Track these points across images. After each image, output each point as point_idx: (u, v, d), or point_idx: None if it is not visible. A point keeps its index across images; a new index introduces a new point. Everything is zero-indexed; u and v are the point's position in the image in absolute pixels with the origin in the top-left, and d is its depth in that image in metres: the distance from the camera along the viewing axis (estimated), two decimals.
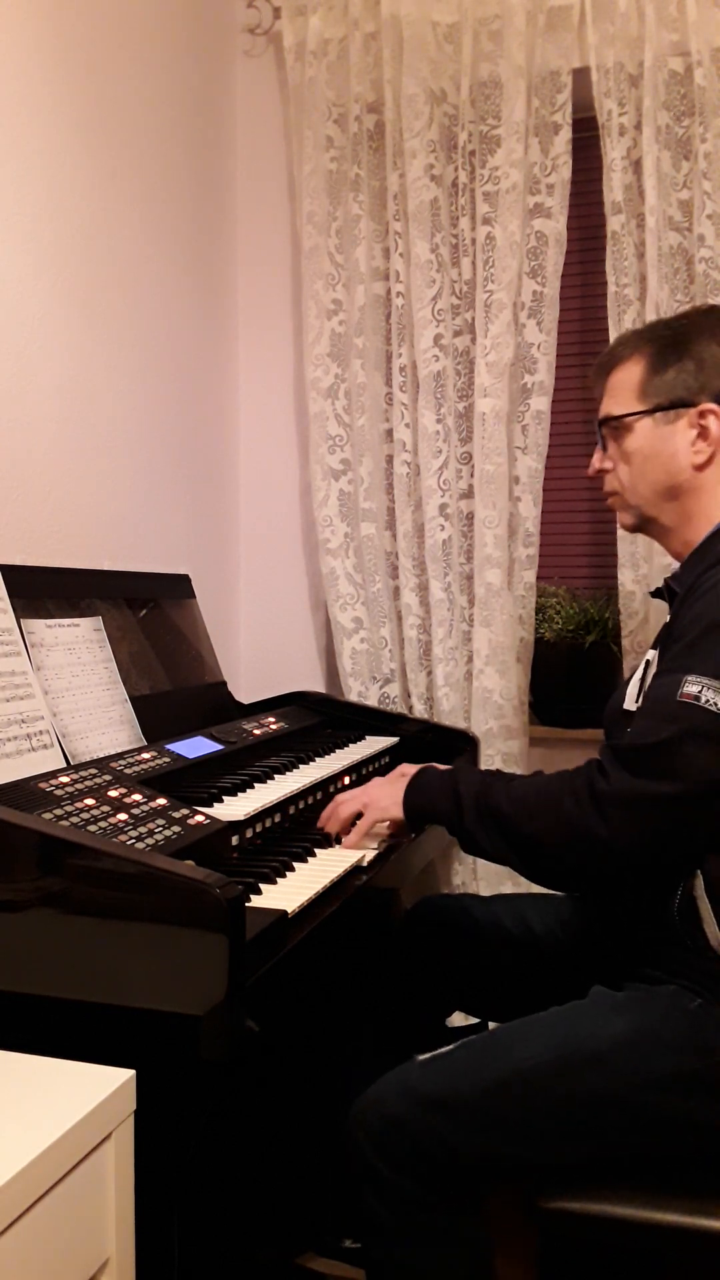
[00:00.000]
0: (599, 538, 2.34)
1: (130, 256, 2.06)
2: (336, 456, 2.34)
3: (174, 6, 2.21)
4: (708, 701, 1.13)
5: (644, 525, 1.44)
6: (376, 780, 1.48)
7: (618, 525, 1.89)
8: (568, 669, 2.25)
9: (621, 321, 2.08)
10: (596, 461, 1.45)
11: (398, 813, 1.40)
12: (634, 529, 1.46)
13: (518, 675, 2.21)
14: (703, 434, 1.34)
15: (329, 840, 1.45)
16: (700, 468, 1.35)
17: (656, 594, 1.46)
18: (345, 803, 1.45)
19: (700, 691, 1.14)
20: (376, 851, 1.41)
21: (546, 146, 2.14)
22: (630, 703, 1.36)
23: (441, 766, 1.42)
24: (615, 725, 1.40)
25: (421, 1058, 1.21)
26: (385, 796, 1.42)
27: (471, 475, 2.22)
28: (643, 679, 1.35)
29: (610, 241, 2.09)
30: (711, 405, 1.33)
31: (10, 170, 1.71)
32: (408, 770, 1.44)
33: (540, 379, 2.16)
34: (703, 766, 1.13)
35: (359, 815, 1.43)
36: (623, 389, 1.39)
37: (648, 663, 1.35)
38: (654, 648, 1.37)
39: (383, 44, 2.19)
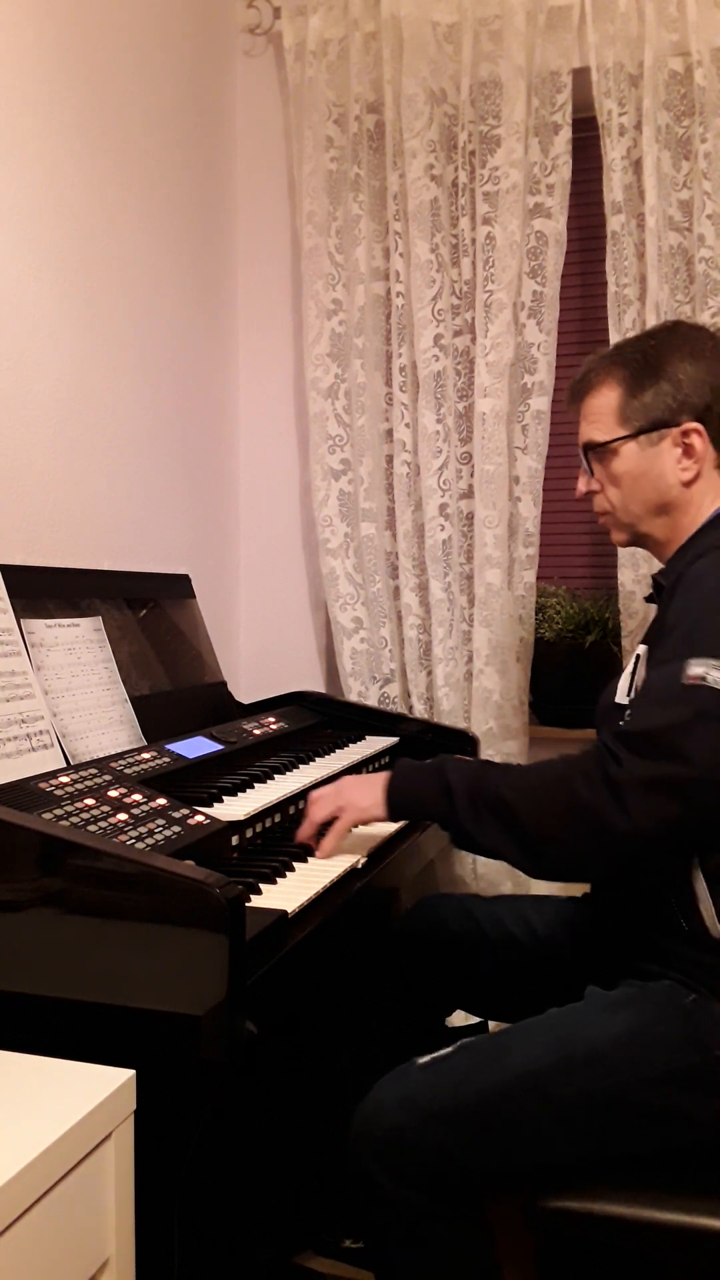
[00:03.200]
0: (599, 538, 2.34)
1: (130, 256, 2.06)
2: (336, 456, 2.34)
3: (174, 6, 2.21)
4: (715, 681, 1.12)
5: (637, 541, 1.46)
6: (349, 779, 1.41)
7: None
8: (568, 669, 2.25)
9: (621, 321, 2.08)
10: (583, 485, 1.47)
11: (379, 812, 1.34)
12: (627, 544, 1.48)
13: (517, 675, 2.21)
14: (688, 451, 1.37)
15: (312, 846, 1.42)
16: (689, 483, 1.38)
17: (649, 599, 1.47)
18: (318, 804, 1.39)
19: (706, 673, 1.13)
20: (364, 859, 1.38)
21: (546, 146, 2.14)
22: (621, 696, 1.36)
23: (416, 762, 1.36)
24: (606, 719, 1.38)
25: (420, 1061, 1.20)
26: (363, 796, 1.35)
27: (471, 475, 2.22)
28: (633, 674, 1.35)
29: (610, 241, 2.09)
30: (693, 424, 1.36)
31: (10, 170, 1.71)
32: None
33: (540, 379, 2.16)
34: (714, 747, 1.11)
35: (334, 819, 1.37)
36: (601, 414, 1.41)
37: (638, 658, 1.35)
38: (644, 643, 1.37)
39: (383, 44, 2.19)
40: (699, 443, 1.36)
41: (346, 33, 2.25)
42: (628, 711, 1.29)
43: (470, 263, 2.19)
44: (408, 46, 2.16)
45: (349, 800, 1.37)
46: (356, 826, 1.40)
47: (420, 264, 2.19)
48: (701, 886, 1.20)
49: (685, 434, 1.36)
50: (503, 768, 1.27)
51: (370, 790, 1.35)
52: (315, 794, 1.41)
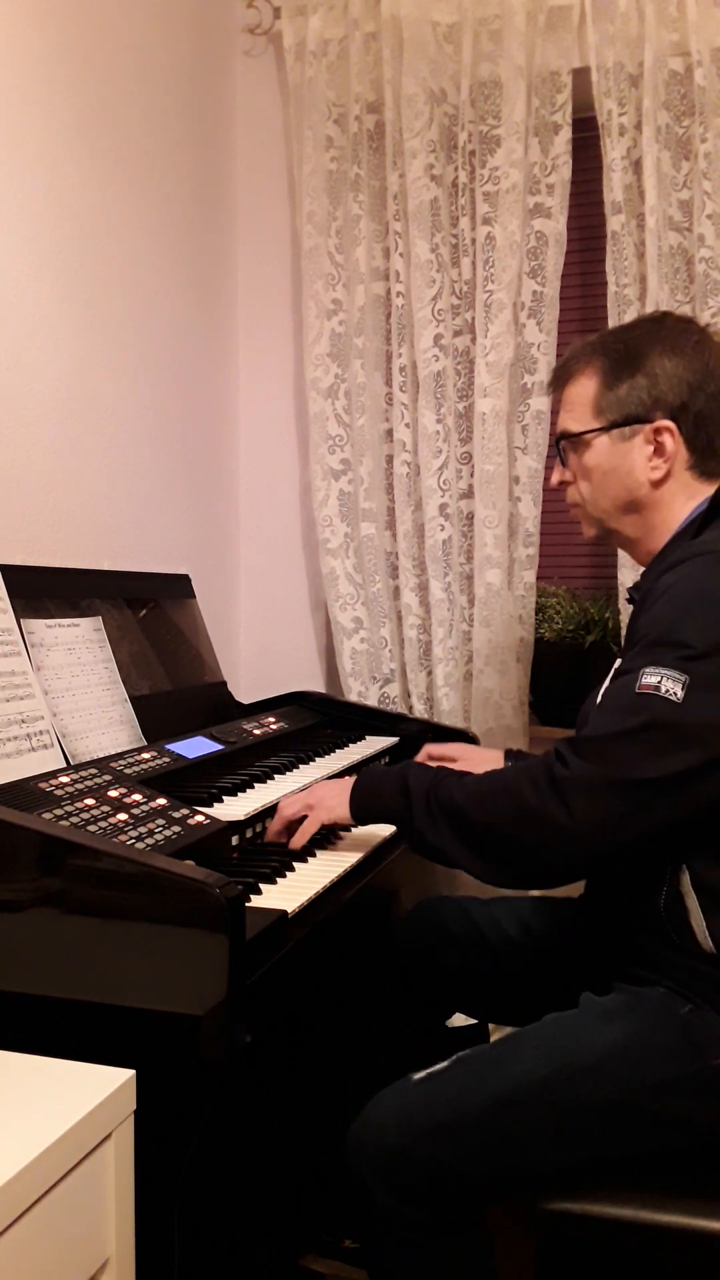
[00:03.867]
0: None
1: (130, 256, 2.06)
2: (336, 456, 2.34)
3: (174, 6, 2.21)
4: (667, 691, 1.13)
5: (606, 536, 1.44)
6: (323, 781, 1.45)
7: None
8: (568, 669, 2.25)
9: (621, 321, 2.08)
10: (557, 475, 1.45)
11: (344, 813, 1.36)
12: (597, 540, 1.46)
13: (518, 675, 2.21)
14: (659, 450, 1.34)
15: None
16: (657, 484, 1.35)
17: (630, 601, 1.46)
18: (289, 805, 1.42)
19: (659, 682, 1.13)
20: (359, 861, 1.38)
21: (546, 146, 2.14)
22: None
23: (384, 767, 1.40)
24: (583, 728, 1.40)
25: (417, 1076, 1.19)
26: (331, 797, 1.38)
27: (471, 475, 2.22)
28: (609, 683, 1.35)
29: (610, 241, 2.09)
30: (666, 422, 1.33)
31: (10, 170, 1.71)
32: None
33: (540, 379, 2.16)
34: (665, 754, 1.12)
35: (302, 818, 1.40)
36: (578, 404, 1.39)
37: (615, 669, 1.35)
38: (619, 654, 1.37)
39: (383, 44, 2.19)
40: (670, 442, 1.32)
41: (346, 33, 2.25)
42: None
43: (470, 263, 2.19)
44: (408, 46, 2.16)
45: (318, 800, 1.39)
46: (325, 825, 1.41)
47: (420, 264, 2.19)
48: (692, 900, 1.19)
49: (658, 432, 1.33)
50: (460, 774, 1.28)
51: (339, 792, 1.38)
52: (287, 798, 1.44)
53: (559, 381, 1.44)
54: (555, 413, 1.48)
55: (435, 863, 1.29)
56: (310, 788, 1.44)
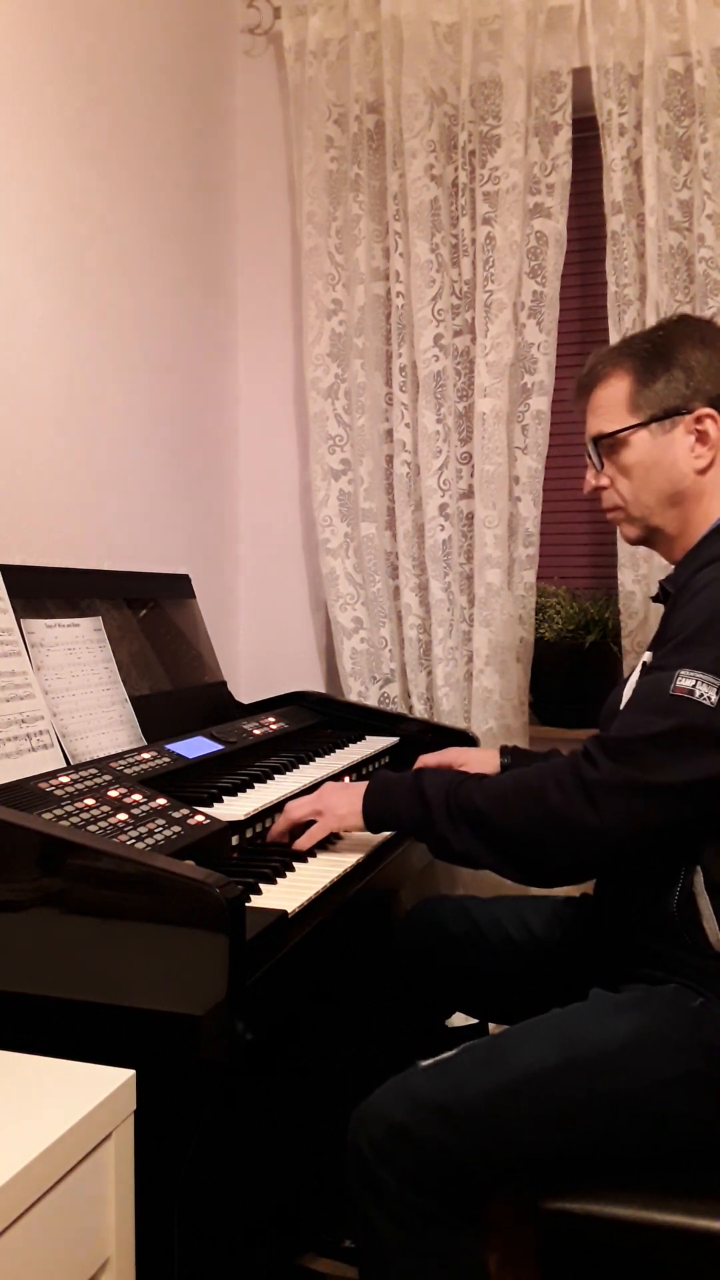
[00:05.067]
0: (599, 538, 2.34)
1: (130, 256, 2.06)
2: (336, 456, 2.34)
3: (174, 6, 2.21)
4: (701, 695, 1.13)
5: (650, 536, 1.43)
6: (330, 785, 1.43)
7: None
8: (568, 669, 2.25)
9: (621, 321, 2.08)
10: (591, 479, 1.45)
11: (356, 822, 1.35)
12: (639, 541, 1.46)
13: (518, 675, 2.21)
14: (701, 438, 1.35)
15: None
16: (702, 471, 1.35)
17: (656, 599, 1.46)
18: (296, 808, 1.41)
19: (694, 685, 1.14)
20: (359, 861, 1.38)
21: (546, 146, 2.14)
22: (625, 703, 1.36)
23: (393, 774, 1.38)
24: (608, 725, 1.39)
25: (424, 1064, 1.20)
26: (342, 804, 1.37)
27: (471, 475, 2.22)
28: (640, 679, 1.35)
29: (610, 241, 2.09)
30: (708, 409, 1.34)
31: (10, 170, 1.71)
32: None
33: (540, 379, 2.16)
34: (696, 759, 1.13)
35: (310, 821, 1.39)
36: (611, 405, 1.39)
37: (644, 664, 1.35)
38: (650, 649, 1.37)
39: (383, 44, 2.19)
40: (714, 429, 1.34)
41: (346, 33, 2.25)
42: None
43: (470, 263, 2.19)
44: (408, 46, 2.16)
45: (328, 806, 1.38)
46: (333, 833, 1.40)
47: (420, 264, 2.18)
48: (704, 900, 1.20)
49: (699, 420, 1.34)
50: (476, 778, 1.28)
51: (349, 799, 1.37)
52: (294, 801, 1.43)
53: (585, 388, 1.44)
54: (580, 421, 1.47)
55: (460, 866, 1.29)
56: (318, 791, 1.42)
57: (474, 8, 2.14)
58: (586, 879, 1.25)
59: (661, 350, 1.37)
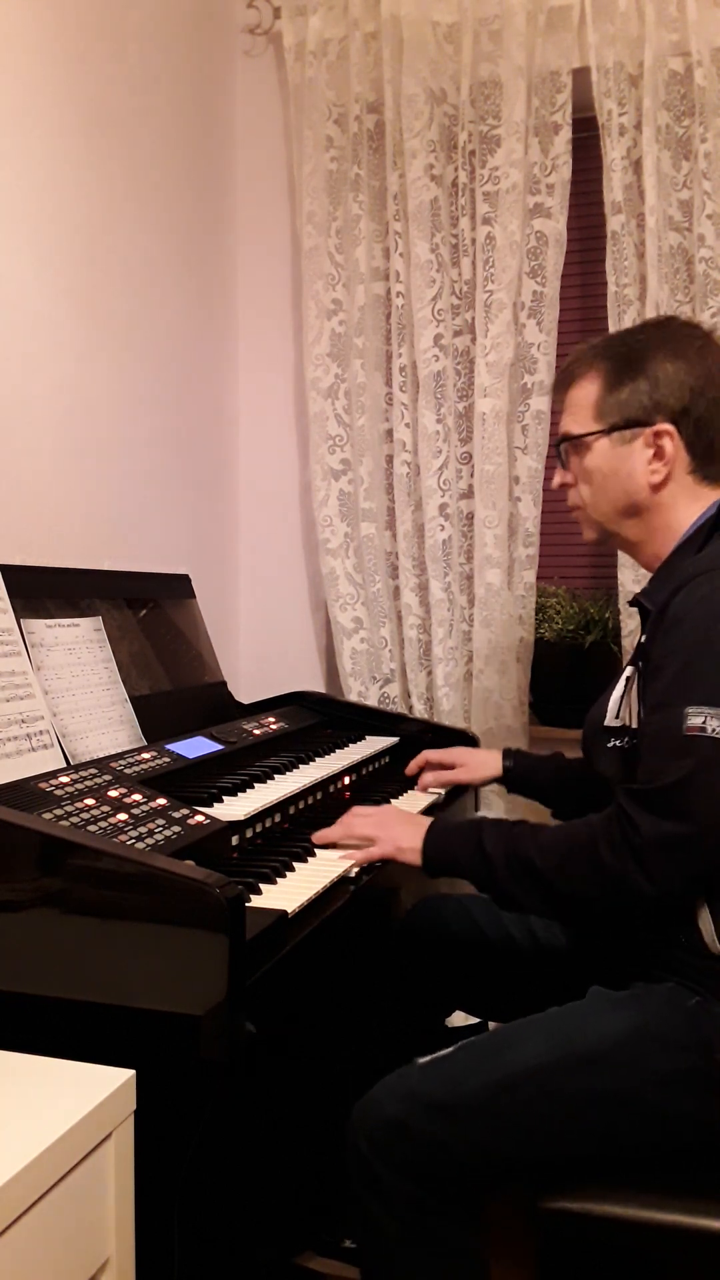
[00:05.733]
0: None
1: (130, 256, 2.06)
2: (336, 456, 2.34)
3: (174, 6, 2.21)
4: (714, 730, 1.13)
5: (607, 539, 1.44)
6: (395, 811, 1.44)
7: None
8: (568, 669, 2.25)
9: (621, 321, 2.08)
10: (559, 477, 1.45)
11: (414, 860, 1.35)
12: (597, 543, 1.46)
13: (518, 675, 2.21)
14: (658, 454, 1.33)
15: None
16: (657, 487, 1.34)
17: (632, 604, 1.43)
18: (360, 824, 1.40)
19: (705, 722, 1.14)
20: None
21: (546, 146, 2.14)
22: (610, 718, 1.35)
23: (452, 820, 1.39)
24: (594, 739, 1.38)
25: (422, 1060, 1.20)
26: (405, 837, 1.36)
27: (471, 475, 2.22)
28: (623, 696, 1.34)
29: (610, 241, 2.09)
30: (666, 425, 1.32)
31: (11, 170, 1.71)
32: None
33: (540, 379, 2.16)
34: (717, 798, 1.14)
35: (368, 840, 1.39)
36: (580, 406, 1.39)
37: (627, 680, 1.34)
38: (631, 664, 1.35)
39: (383, 44, 2.19)
40: (669, 445, 1.32)
41: (346, 33, 2.25)
42: (617, 738, 1.32)
43: (470, 263, 2.19)
44: (408, 46, 2.16)
45: (392, 836, 1.37)
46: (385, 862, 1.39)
47: (420, 264, 2.18)
48: (702, 907, 1.20)
49: (657, 435, 1.32)
50: (532, 829, 1.28)
51: (412, 834, 1.36)
52: (360, 810, 1.43)
53: (563, 384, 1.44)
54: (558, 415, 1.48)
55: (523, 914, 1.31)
56: (382, 811, 1.43)
57: (474, 8, 2.14)
58: (640, 932, 1.27)
59: (633, 358, 1.35)
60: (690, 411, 1.32)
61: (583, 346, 1.44)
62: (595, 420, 1.37)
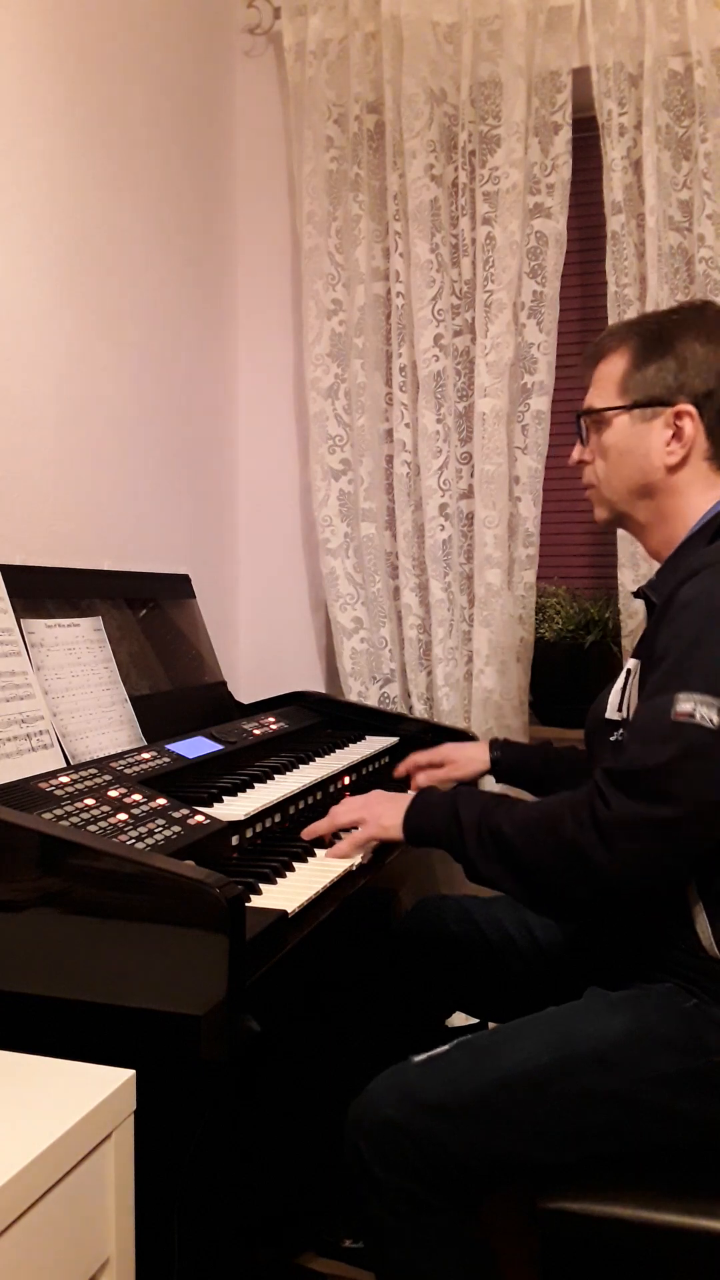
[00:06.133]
0: (599, 538, 2.34)
1: (130, 256, 2.06)
2: (336, 456, 2.34)
3: (174, 6, 2.21)
4: (703, 718, 1.11)
5: (618, 520, 1.43)
6: (379, 793, 1.44)
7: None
8: (568, 669, 2.25)
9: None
10: (576, 453, 1.44)
11: (397, 834, 1.36)
12: (608, 524, 1.45)
13: (518, 675, 2.21)
14: (677, 435, 1.33)
15: (325, 842, 1.44)
16: (673, 469, 1.33)
17: (637, 595, 1.43)
18: (344, 812, 1.41)
19: (694, 709, 1.12)
20: (362, 862, 1.38)
21: (546, 146, 2.14)
22: (612, 711, 1.34)
23: (442, 789, 1.38)
24: (596, 733, 1.38)
25: (418, 1059, 1.20)
26: (388, 814, 1.37)
27: (471, 475, 2.22)
28: (624, 688, 1.33)
29: (610, 241, 2.09)
30: (687, 406, 1.32)
31: (11, 170, 1.71)
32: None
33: (540, 379, 2.16)
34: (702, 786, 1.11)
35: (353, 826, 1.39)
36: (606, 382, 1.38)
37: (629, 672, 1.33)
38: (634, 656, 1.35)
39: (383, 44, 2.19)
40: (689, 427, 1.31)
41: (346, 33, 2.25)
42: (620, 730, 1.30)
43: (470, 263, 2.19)
44: (408, 46, 2.16)
45: (375, 815, 1.38)
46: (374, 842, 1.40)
47: (420, 264, 2.18)
48: (697, 905, 1.19)
49: (678, 416, 1.32)
50: (509, 803, 1.28)
51: (394, 810, 1.37)
52: (344, 802, 1.43)
53: (592, 359, 1.42)
54: (584, 390, 1.46)
55: (488, 889, 1.29)
56: (366, 797, 1.42)
57: (474, 8, 2.14)
58: (602, 918, 1.24)
59: (664, 336, 1.34)
60: (715, 395, 1.32)
61: (616, 324, 1.43)
62: (619, 396, 1.36)
